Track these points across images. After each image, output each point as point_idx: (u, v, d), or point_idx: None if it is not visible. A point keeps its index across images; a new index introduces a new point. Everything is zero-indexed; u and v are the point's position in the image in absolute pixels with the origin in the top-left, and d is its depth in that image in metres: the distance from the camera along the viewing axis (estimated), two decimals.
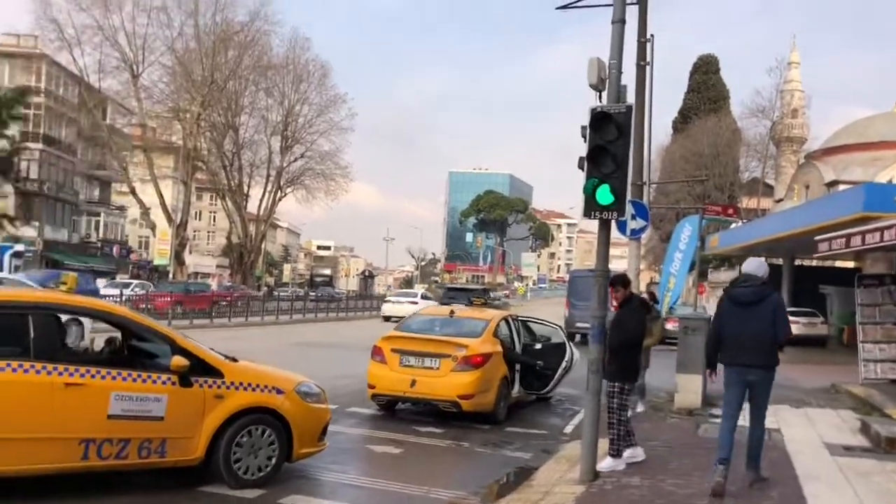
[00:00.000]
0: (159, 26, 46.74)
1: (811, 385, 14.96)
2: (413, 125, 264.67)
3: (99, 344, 6.79)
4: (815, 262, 40.86)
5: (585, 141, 7.12)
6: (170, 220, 47.16)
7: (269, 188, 54.50)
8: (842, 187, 43.42)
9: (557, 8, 12.62)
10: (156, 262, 52.34)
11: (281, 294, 60.55)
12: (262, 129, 54.48)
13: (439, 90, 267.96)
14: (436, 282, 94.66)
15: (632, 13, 11.76)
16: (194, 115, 47.21)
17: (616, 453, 7.33)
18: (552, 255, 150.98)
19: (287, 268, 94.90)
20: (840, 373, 16.54)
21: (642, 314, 7.79)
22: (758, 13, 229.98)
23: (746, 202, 48.98)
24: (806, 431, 9.68)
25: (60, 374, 5.44)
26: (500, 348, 10.35)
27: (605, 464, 7.20)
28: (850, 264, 40.16)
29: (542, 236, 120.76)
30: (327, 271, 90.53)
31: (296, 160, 55.55)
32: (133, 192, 47.33)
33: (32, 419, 5.36)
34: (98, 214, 57.36)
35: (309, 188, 56.13)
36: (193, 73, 47.48)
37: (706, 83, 52.83)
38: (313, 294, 67.88)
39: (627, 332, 7.38)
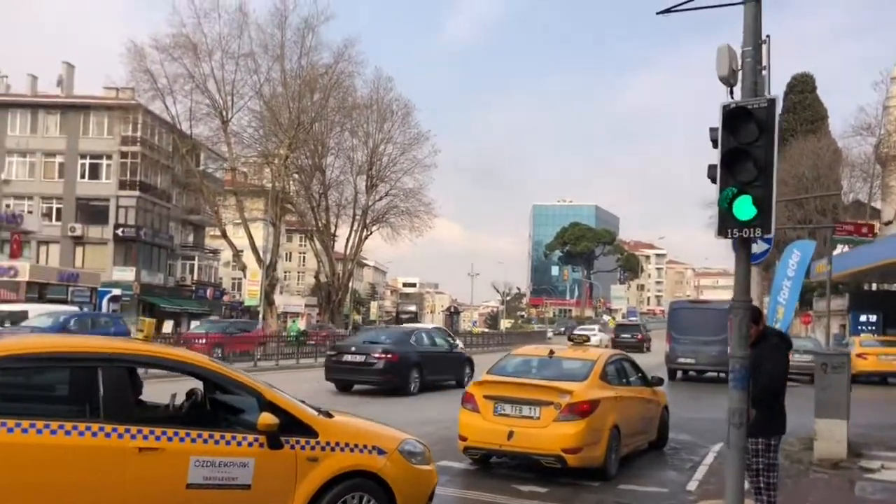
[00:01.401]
0: (247, 72, 47.82)
1: None
2: (493, 159, 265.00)
3: (176, 398, 5.96)
4: None
5: (715, 146, 6.03)
6: (259, 261, 47.74)
7: (355, 227, 54.76)
8: None
9: (659, 13, 11.55)
10: (247, 303, 53.04)
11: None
12: (348, 169, 54.98)
13: (520, 123, 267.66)
14: (522, 316, 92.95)
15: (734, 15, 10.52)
16: (282, 158, 47.92)
17: None
18: (641, 287, 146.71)
19: (374, 305, 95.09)
20: None
21: (783, 352, 6.48)
22: (861, 28, 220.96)
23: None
24: None
25: (133, 437, 4.60)
26: (609, 393, 9.12)
27: None
28: None
29: (630, 268, 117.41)
30: (412, 308, 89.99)
31: (381, 199, 55.72)
32: (224, 234, 48.26)
33: (100, 492, 4.52)
34: (192, 258, 58.90)
35: (394, 226, 56.09)
36: (280, 116, 48.32)
37: (802, 103, 50.15)
38: None
39: (769, 375, 6.11)
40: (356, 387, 18.38)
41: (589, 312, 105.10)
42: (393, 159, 55.30)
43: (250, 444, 4.93)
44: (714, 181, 6.01)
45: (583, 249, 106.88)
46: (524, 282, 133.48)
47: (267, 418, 4.94)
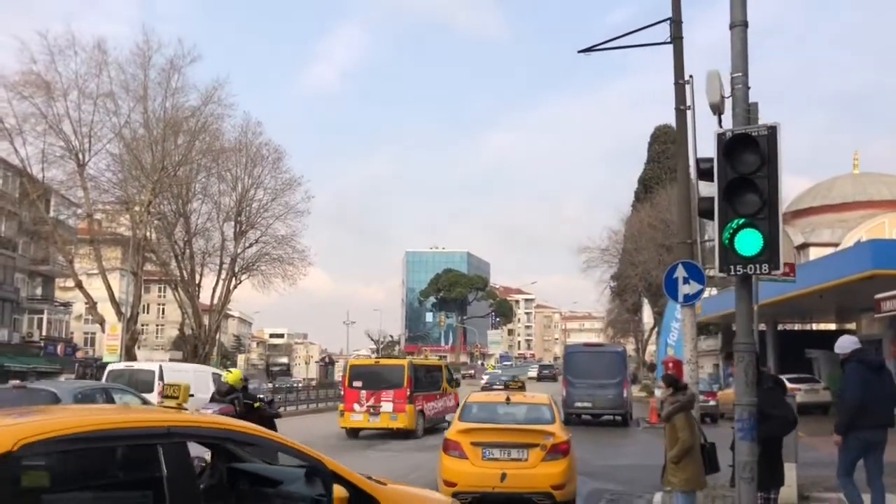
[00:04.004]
0: (106, 113, 44.78)
1: None
2: (360, 207, 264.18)
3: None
4: (797, 326, 40.20)
5: (704, 177, 5.61)
6: (119, 313, 44.30)
7: (222, 276, 52.16)
8: (812, 250, 43.29)
9: (580, 51, 11.50)
10: (105, 360, 49.02)
11: None
12: (215, 215, 52.51)
13: (384, 172, 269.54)
14: None
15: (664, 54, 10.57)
16: (144, 204, 45.04)
17: None
18: (511, 332, 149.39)
19: (241, 358, 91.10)
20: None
21: (780, 395, 6.10)
22: None
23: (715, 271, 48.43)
24: None
25: None
26: (569, 433, 9.89)
27: None
28: (833, 326, 39.58)
29: (503, 313, 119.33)
30: (284, 360, 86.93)
31: (250, 245, 53.51)
32: (80, 286, 44.45)
33: None
34: (41, 312, 54.18)
35: (265, 274, 53.91)
36: (143, 160, 45.55)
37: (665, 152, 52.95)
38: (271, 385, 64.64)
39: (780, 423, 5.69)
40: None
41: (464, 358, 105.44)
42: (264, 205, 53.41)
43: None
44: (705, 216, 5.58)
45: (457, 296, 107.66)
46: (398, 329, 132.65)
47: (339, 492, 4.26)
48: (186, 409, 4.51)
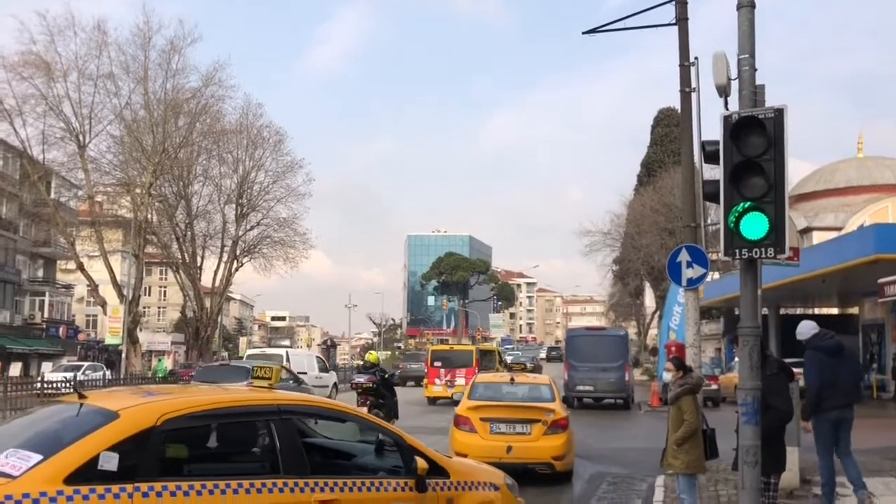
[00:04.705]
0: (107, 94, 44.64)
1: (866, 445, 13.38)
2: (361, 190, 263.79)
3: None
4: (799, 311, 40.15)
5: (709, 160, 5.55)
6: (121, 296, 44.33)
7: (224, 259, 52.12)
8: (815, 234, 43.16)
9: (584, 32, 11.41)
10: (107, 342, 49.10)
11: None
12: (216, 197, 52.42)
13: (388, 156, 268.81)
14: (399, 348, 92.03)
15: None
16: (145, 186, 44.90)
17: None
18: (512, 316, 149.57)
19: (243, 341, 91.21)
20: (883, 429, 15.15)
21: (782, 383, 6.06)
22: None
23: (718, 255, 48.37)
24: None
25: (313, 489, 4.44)
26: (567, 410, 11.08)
27: None
28: (835, 311, 39.54)
29: (505, 297, 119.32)
30: (286, 342, 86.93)
31: (252, 228, 53.42)
32: (81, 268, 44.44)
33: None
34: (43, 294, 54.10)
35: (267, 256, 53.83)
36: (143, 141, 45.36)
37: (669, 135, 52.67)
38: None
39: (777, 415, 5.66)
40: None
41: (466, 341, 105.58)
42: (265, 187, 53.26)
43: (403, 489, 4.91)
44: (710, 199, 5.52)
45: (458, 279, 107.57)
46: (400, 312, 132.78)
47: (422, 463, 4.99)
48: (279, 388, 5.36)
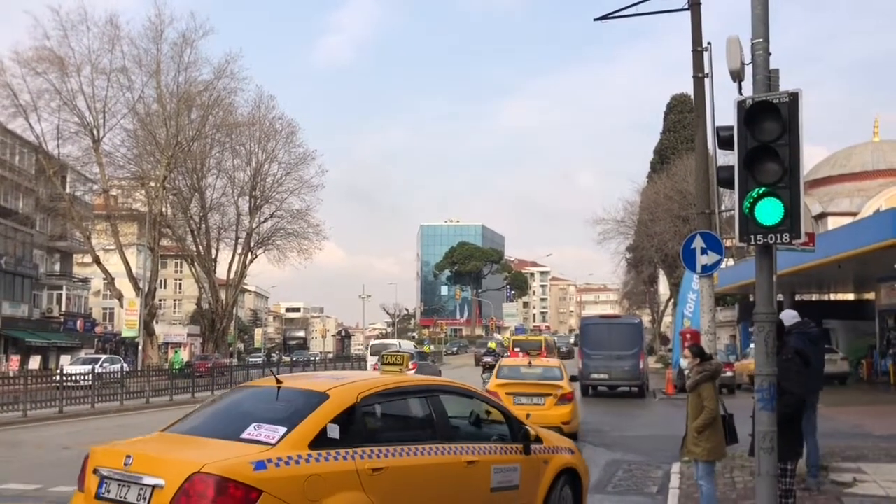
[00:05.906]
0: (120, 88, 44.88)
1: (891, 431, 13.34)
2: (374, 181, 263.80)
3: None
4: (814, 297, 39.87)
5: (724, 146, 5.52)
6: (137, 289, 44.66)
7: (238, 251, 52.38)
8: (830, 219, 42.80)
9: (596, 19, 11.33)
10: (124, 334, 49.48)
11: (250, 361, 57.89)
12: (230, 189, 52.66)
13: (399, 144, 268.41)
14: (413, 337, 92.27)
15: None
16: (159, 180, 45.13)
17: None
18: (526, 305, 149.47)
19: (258, 332, 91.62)
20: None
21: (800, 366, 6.04)
22: None
23: (733, 241, 48.05)
24: None
25: (459, 452, 5.63)
26: (574, 385, 14.53)
27: None
28: (851, 297, 39.24)
29: (518, 286, 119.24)
30: (301, 333, 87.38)
31: (265, 220, 53.65)
32: (97, 261, 44.79)
33: (448, 499, 5.53)
34: (60, 287, 54.53)
35: (281, 248, 54.06)
36: (157, 135, 45.57)
37: (682, 122, 52.29)
38: (287, 358, 65.15)
39: (789, 401, 5.64)
40: None
41: (479, 331, 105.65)
42: (278, 179, 53.47)
43: (515, 453, 6.18)
44: (725, 185, 5.50)
45: (472, 269, 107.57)
46: (413, 303, 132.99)
47: (533, 432, 6.43)
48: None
